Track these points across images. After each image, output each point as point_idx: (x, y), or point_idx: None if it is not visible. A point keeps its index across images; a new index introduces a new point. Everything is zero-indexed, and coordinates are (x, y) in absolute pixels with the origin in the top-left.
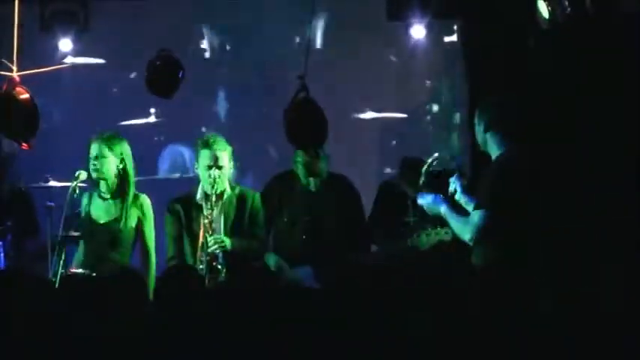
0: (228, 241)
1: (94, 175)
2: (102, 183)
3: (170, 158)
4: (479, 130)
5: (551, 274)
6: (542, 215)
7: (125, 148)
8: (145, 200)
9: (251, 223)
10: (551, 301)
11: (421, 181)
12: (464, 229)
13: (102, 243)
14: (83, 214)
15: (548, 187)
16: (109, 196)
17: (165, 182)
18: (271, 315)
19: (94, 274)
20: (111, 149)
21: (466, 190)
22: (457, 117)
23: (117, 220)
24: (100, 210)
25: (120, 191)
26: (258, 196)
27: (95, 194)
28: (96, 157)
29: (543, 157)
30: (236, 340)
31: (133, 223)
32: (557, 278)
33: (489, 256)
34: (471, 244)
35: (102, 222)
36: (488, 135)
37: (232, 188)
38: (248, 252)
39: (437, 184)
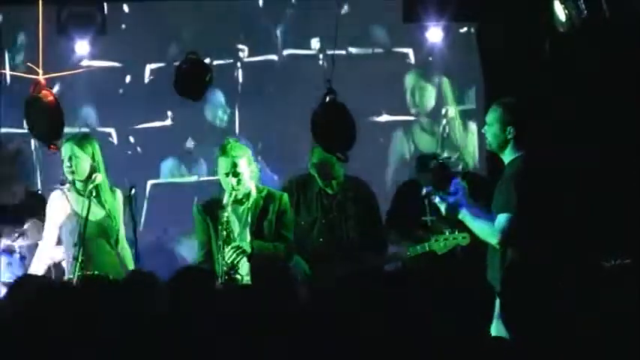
0: (247, 245)
1: (69, 176)
2: (78, 183)
3: None
4: (501, 134)
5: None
6: (566, 217)
7: (96, 148)
8: (118, 195)
9: (278, 224)
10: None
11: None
12: (490, 233)
13: (94, 242)
14: (65, 216)
15: (572, 188)
16: (87, 196)
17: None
18: (283, 316)
19: (110, 277)
20: (82, 149)
21: (467, 195)
22: (473, 120)
23: (107, 217)
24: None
25: (97, 190)
26: (286, 196)
27: (73, 194)
28: (69, 158)
29: (563, 159)
30: (248, 341)
31: (118, 217)
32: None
33: (515, 258)
34: (498, 247)
35: (93, 220)
36: (503, 136)
37: (259, 190)
38: (273, 255)
39: (441, 177)
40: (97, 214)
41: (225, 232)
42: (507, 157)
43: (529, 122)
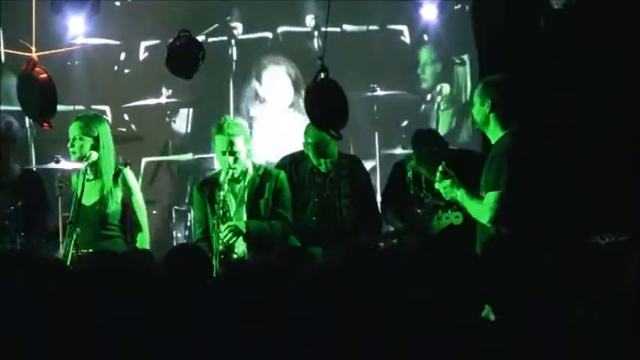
0: (242, 224)
1: (72, 157)
2: (85, 164)
3: None
4: (481, 109)
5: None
6: (558, 194)
7: (102, 129)
8: (127, 174)
9: (274, 202)
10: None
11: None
12: (481, 212)
13: (91, 224)
14: (74, 197)
15: (560, 167)
16: (92, 177)
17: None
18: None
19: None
20: (86, 130)
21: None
22: (468, 98)
23: (101, 200)
24: (86, 191)
25: (101, 171)
26: (282, 174)
27: (81, 175)
28: (73, 139)
29: (557, 136)
30: (241, 320)
31: (118, 200)
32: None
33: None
34: (489, 225)
35: (89, 204)
36: (492, 115)
37: (256, 168)
38: (269, 233)
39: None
40: (90, 198)
41: (221, 211)
42: (493, 134)
43: (514, 98)
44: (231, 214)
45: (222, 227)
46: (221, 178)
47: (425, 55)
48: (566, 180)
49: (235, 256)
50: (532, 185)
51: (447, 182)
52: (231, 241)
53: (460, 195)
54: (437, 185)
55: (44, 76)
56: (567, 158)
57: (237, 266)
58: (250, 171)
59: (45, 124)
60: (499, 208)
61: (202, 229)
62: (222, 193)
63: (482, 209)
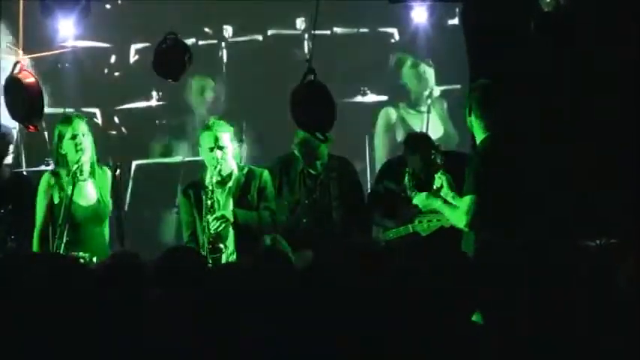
0: (229, 213)
1: (78, 155)
2: (72, 164)
3: None
4: (466, 113)
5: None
6: (526, 196)
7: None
8: (107, 172)
9: (260, 197)
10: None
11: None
12: (458, 217)
13: (86, 226)
14: (57, 199)
15: (534, 171)
16: (85, 176)
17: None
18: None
19: (94, 259)
20: (87, 127)
21: (451, 186)
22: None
23: (99, 200)
24: (82, 192)
25: (91, 169)
26: (266, 173)
27: (65, 177)
28: (83, 135)
29: (546, 138)
30: (235, 320)
31: (108, 196)
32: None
33: (481, 238)
34: (467, 229)
35: (86, 205)
36: (472, 118)
37: (241, 168)
38: (257, 223)
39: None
40: (89, 198)
41: (209, 202)
42: (478, 137)
43: (494, 102)
44: (219, 207)
45: (210, 218)
46: (208, 174)
47: (403, 59)
48: (552, 181)
49: (222, 246)
50: (505, 187)
51: (424, 195)
52: (220, 229)
53: (439, 205)
54: (414, 200)
55: (31, 79)
56: (553, 160)
57: None
58: (235, 172)
59: (31, 128)
60: (474, 212)
61: (190, 232)
62: (210, 186)
63: (458, 215)
